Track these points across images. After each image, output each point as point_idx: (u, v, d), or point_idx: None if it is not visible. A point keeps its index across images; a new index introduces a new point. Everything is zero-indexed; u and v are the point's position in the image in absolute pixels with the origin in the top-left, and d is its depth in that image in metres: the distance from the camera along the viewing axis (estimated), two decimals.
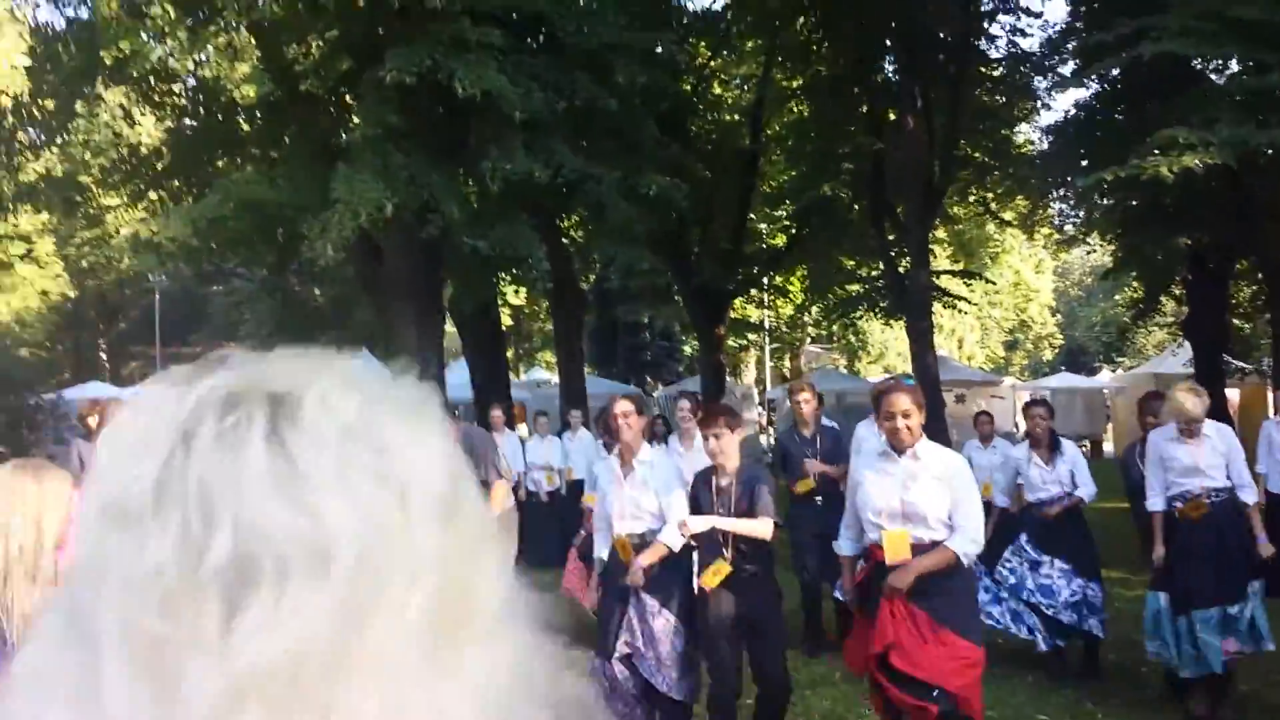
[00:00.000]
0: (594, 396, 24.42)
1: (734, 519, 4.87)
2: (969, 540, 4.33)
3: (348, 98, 12.24)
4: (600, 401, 25.64)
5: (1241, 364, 22.32)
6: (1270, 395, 19.54)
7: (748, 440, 25.67)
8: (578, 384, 18.98)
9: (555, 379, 22.36)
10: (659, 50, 12.15)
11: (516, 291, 26.81)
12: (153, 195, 13.41)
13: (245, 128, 12.60)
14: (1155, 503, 5.99)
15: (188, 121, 12.90)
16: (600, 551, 5.44)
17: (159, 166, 12.98)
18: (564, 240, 17.56)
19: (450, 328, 19.11)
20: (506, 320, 32.86)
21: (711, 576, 4.93)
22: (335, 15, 10.05)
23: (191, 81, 11.37)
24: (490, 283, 14.46)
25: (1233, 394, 23.07)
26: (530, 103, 10.83)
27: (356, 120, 10.86)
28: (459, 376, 20.30)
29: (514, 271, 14.55)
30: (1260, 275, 18.39)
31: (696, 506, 5.05)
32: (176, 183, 13.40)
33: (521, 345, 42.38)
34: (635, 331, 36.64)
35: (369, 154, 10.72)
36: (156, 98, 11.92)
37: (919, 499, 4.34)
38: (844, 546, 4.72)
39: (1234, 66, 13.69)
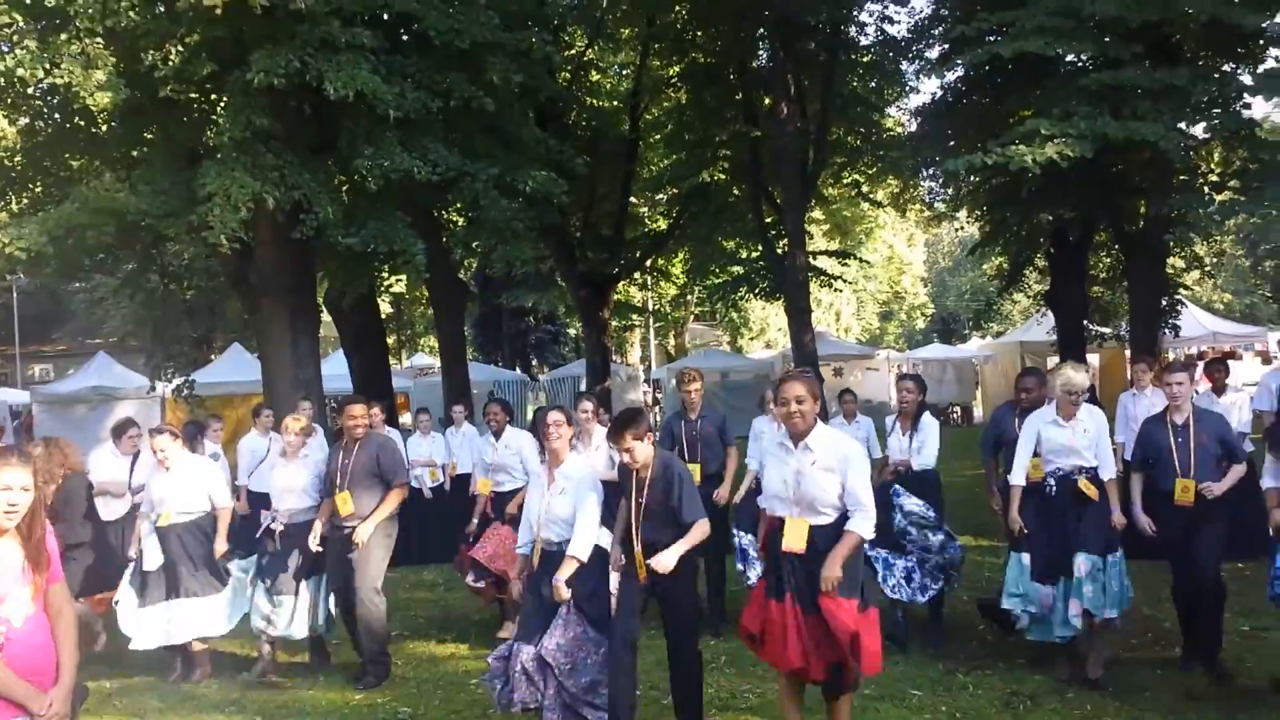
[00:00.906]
0: (478, 383, 24.33)
1: (684, 541, 5.17)
2: (867, 520, 4.75)
3: (213, 98, 11.80)
4: (485, 388, 25.53)
5: (1102, 330, 23.36)
6: (1128, 360, 20.52)
7: None
8: (460, 376, 18.79)
9: (439, 363, 22.14)
10: (535, 43, 12.07)
11: (397, 280, 26.39)
12: (10, 196, 12.81)
13: (103, 129, 12.08)
14: (1017, 477, 6.45)
15: (40, 125, 12.29)
16: (522, 546, 5.80)
17: (13, 170, 12.36)
18: (443, 231, 17.31)
19: (327, 317, 18.69)
20: (386, 308, 32.32)
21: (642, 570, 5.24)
22: (196, 21, 9.65)
23: (45, 86, 10.82)
24: (367, 277, 14.19)
25: (1093, 359, 24.21)
26: (404, 103, 10.66)
27: (221, 123, 10.48)
28: (338, 367, 19.87)
29: (389, 265, 14.29)
30: (1117, 246, 19.29)
31: (615, 501, 5.41)
32: (37, 188, 12.78)
33: (403, 332, 41.72)
34: (520, 317, 36.41)
35: (237, 154, 10.43)
36: (9, 100, 11.36)
37: (811, 489, 4.75)
38: (766, 507, 5.09)
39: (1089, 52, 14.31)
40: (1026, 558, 6.34)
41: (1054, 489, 6.32)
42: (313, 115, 11.96)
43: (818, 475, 4.74)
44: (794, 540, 4.76)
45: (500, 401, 8.55)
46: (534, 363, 39.11)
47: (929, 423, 7.43)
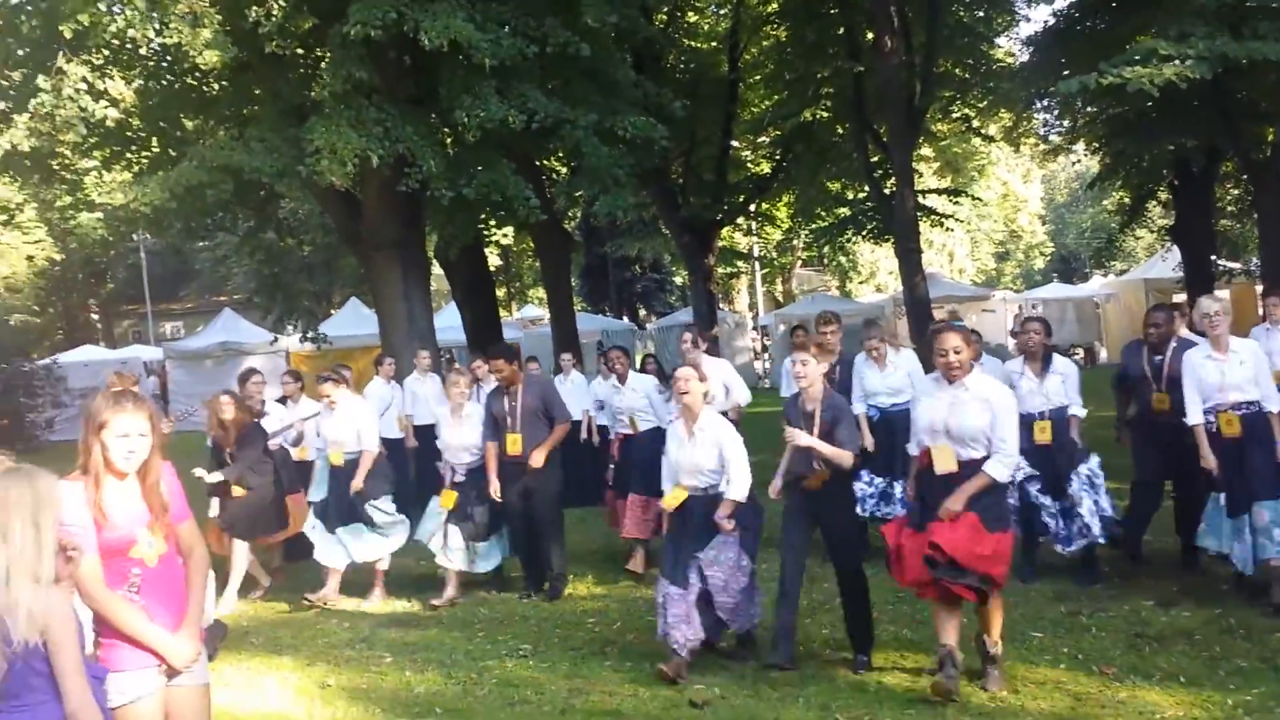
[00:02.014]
0: (587, 333, 24.58)
1: (821, 442, 5.59)
2: (1003, 463, 5.07)
3: (316, 54, 12.03)
4: (594, 338, 25.74)
5: (1231, 264, 22.32)
6: (1260, 294, 19.60)
7: (741, 368, 25.67)
8: (568, 325, 18.98)
9: (548, 314, 22.47)
10: None
11: (504, 234, 26.67)
12: (130, 156, 13.36)
13: (214, 88, 12.45)
14: (1194, 416, 6.33)
15: (154, 85, 12.74)
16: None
17: (129, 131, 12.85)
18: (545, 181, 17.40)
19: (439, 270, 19.08)
20: (495, 260, 32.75)
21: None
22: None
23: (156, 46, 11.22)
24: (474, 227, 14.40)
25: (1223, 294, 23.19)
26: (500, 50, 10.72)
27: (325, 78, 10.73)
28: (452, 319, 20.35)
29: (499, 214, 14.50)
30: (1244, 176, 18.36)
31: (787, 423, 5.79)
32: (155, 148, 13.29)
33: (512, 284, 42.26)
34: (625, 265, 36.49)
35: (341, 108, 10.67)
36: (124, 60, 11.81)
37: (960, 420, 5.07)
38: (913, 449, 5.47)
39: None
40: (1222, 497, 6.30)
41: (1213, 425, 6.26)
42: (412, 67, 12.12)
43: (969, 406, 5.06)
44: (944, 463, 5.08)
45: (620, 348, 9.10)
46: (641, 311, 39.25)
47: (1067, 365, 7.22)
